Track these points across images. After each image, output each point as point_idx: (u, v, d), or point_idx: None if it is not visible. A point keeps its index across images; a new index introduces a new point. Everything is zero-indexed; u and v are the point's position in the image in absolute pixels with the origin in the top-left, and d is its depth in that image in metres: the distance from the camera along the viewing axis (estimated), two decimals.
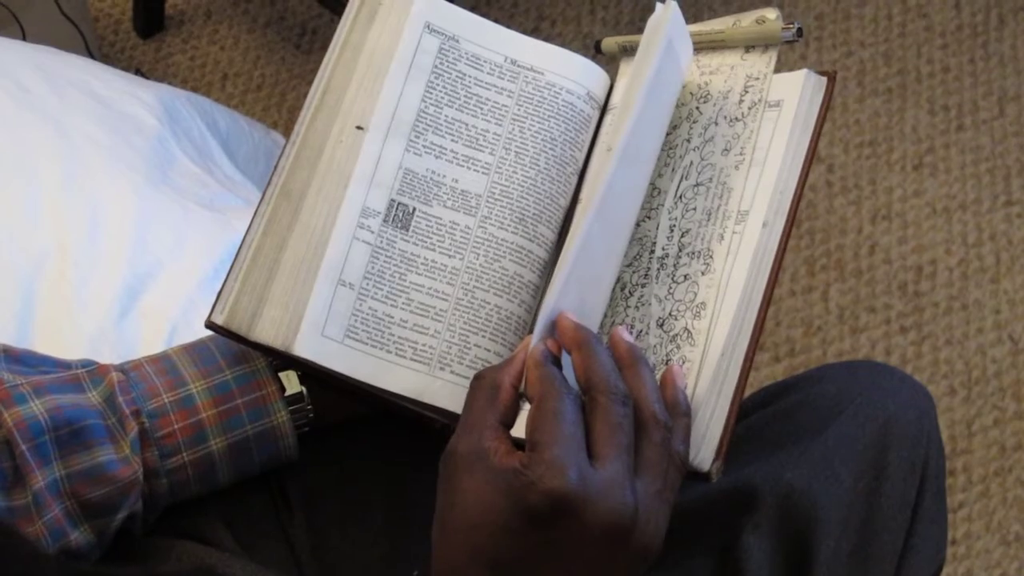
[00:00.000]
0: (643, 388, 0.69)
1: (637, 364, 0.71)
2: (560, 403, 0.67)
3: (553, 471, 0.64)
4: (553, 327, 0.71)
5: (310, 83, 0.84)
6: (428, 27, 0.84)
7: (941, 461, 0.96)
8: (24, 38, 1.81)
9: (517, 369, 0.70)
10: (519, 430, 0.69)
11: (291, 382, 0.82)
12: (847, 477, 0.89)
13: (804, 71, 0.81)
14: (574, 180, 0.86)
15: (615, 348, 0.71)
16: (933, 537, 0.96)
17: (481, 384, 0.70)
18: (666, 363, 0.77)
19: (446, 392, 0.81)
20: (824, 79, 0.81)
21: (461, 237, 0.83)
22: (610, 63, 0.91)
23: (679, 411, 0.72)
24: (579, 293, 0.73)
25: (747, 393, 0.86)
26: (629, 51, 0.90)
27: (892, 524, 0.92)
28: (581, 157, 0.86)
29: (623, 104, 0.76)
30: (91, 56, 1.92)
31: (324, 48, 1.99)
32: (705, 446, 0.74)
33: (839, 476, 0.89)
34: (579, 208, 0.85)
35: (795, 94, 0.81)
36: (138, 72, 2.04)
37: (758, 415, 0.95)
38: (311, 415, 0.83)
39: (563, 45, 0.88)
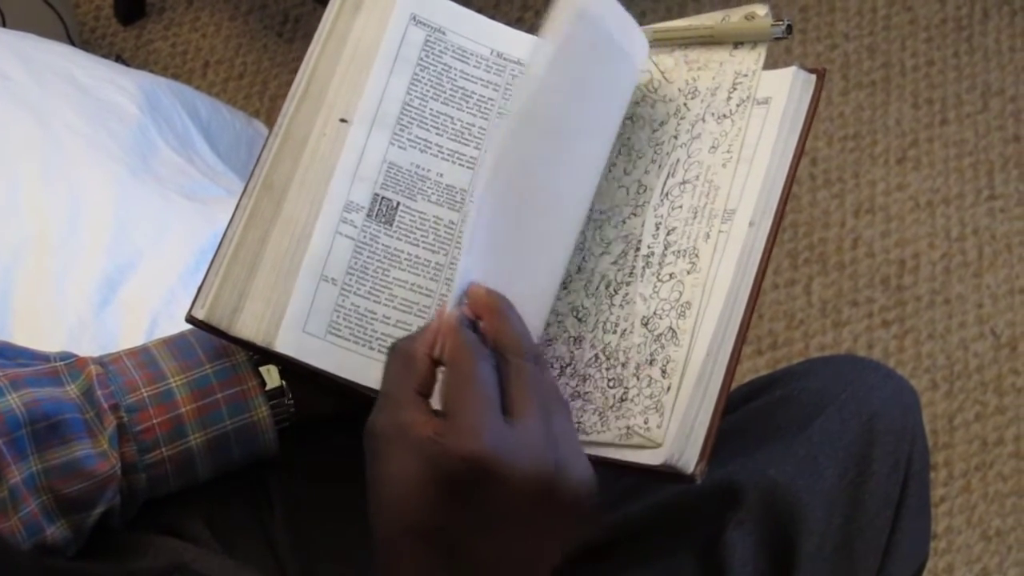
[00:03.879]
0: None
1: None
2: (474, 366, 0.66)
3: (468, 435, 0.63)
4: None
5: (292, 72, 0.84)
6: (414, 19, 0.83)
7: (925, 457, 0.96)
8: (4, 24, 1.80)
9: (431, 338, 0.68)
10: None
11: (272, 377, 0.81)
12: (831, 473, 0.89)
13: (793, 68, 0.80)
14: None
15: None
16: (917, 533, 0.96)
17: (396, 355, 0.69)
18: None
19: None
20: (813, 76, 0.81)
21: (445, 232, 0.82)
22: None
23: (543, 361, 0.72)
24: (500, 273, 0.71)
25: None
26: None
27: (876, 520, 0.91)
28: None
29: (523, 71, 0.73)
30: (71, 43, 1.91)
31: (306, 37, 1.98)
32: (690, 447, 0.73)
33: (823, 472, 0.89)
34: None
35: (783, 92, 0.80)
36: (119, 59, 2.02)
37: (741, 410, 0.95)
38: (292, 410, 0.82)
39: None
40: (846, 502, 0.90)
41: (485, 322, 0.69)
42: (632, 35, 0.82)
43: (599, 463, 0.76)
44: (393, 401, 0.67)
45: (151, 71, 1.94)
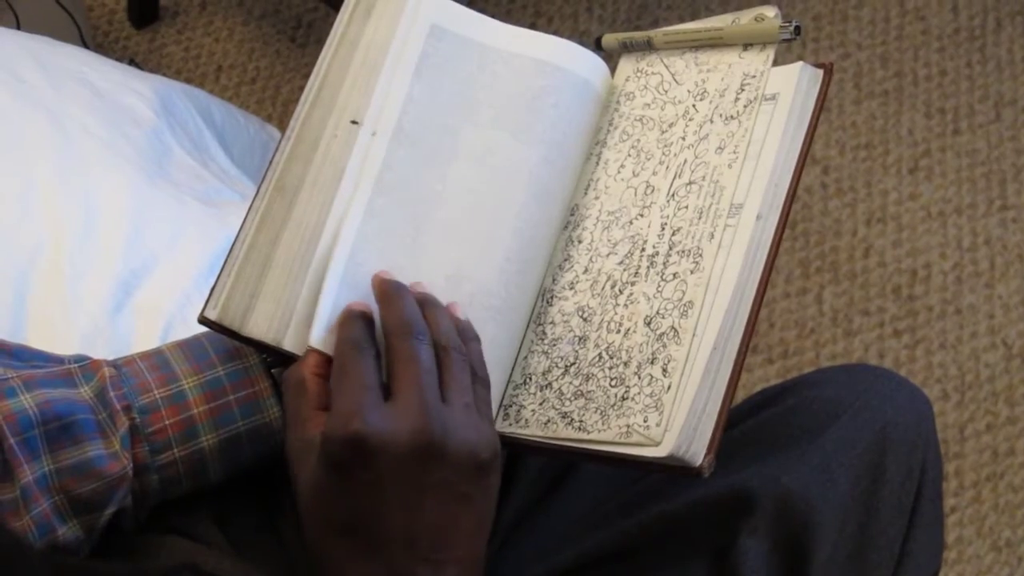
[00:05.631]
0: (434, 324, 0.74)
1: (425, 304, 0.76)
2: (350, 359, 0.71)
3: (345, 418, 0.68)
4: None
5: (304, 76, 0.84)
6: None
7: (939, 466, 0.96)
8: (19, 27, 1.80)
9: (313, 360, 0.74)
10: None
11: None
12: (844, 481, 0.89)
13: (799, 64, 0.81)
14: (572, 180, 0.85)
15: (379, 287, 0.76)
16: (929, 542, 0.96)
17: (287, 385, 0.74)
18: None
19: None
20: (820, 71, 0.81)
21: None
22: (608, 60, 0.91)
23: (469, 336, 0.76)
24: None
25: (742, 396, 0.85)
26: (629, 47, 0.89)
27: (889, 529, 0.91)
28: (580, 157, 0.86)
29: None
30: (85, 46, 1.92)
31: (319, 42, 1.99)
32: (697, 440, 0.73)
33: (836, 480, 0.88)
34: None
35: (791, 86, 0.81)
36: (132, 62, 2.03)
37: (754, 419, 0.94)
38: None
39: None
40: (860, 511, 0.90)
41: (380, 311, 0.75)
42: (527, 40, 0.85)
43: (606, 460, 0.76)
44: (297, 423, 0.72)
45: (164, 75, 1.95)
